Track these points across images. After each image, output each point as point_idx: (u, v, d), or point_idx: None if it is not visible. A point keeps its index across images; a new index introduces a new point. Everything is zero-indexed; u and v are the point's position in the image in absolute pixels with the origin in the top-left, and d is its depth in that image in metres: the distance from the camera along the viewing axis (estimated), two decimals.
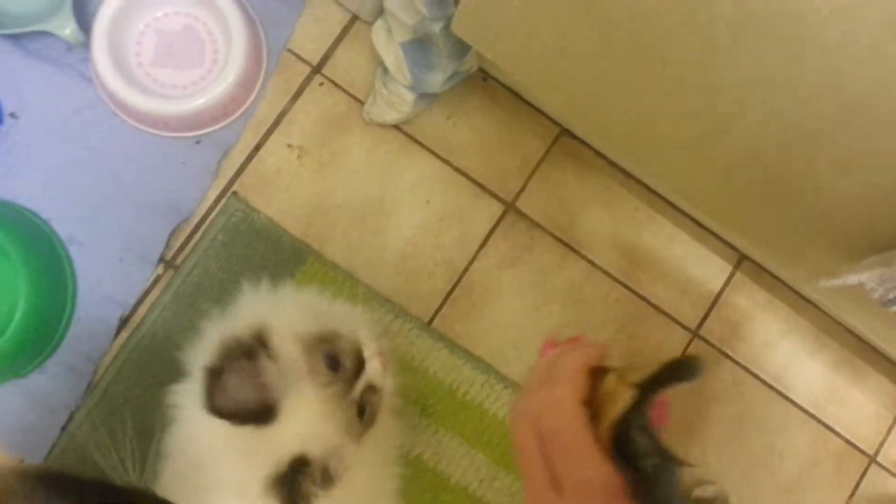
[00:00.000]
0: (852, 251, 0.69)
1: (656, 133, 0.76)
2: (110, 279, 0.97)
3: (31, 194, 0.97)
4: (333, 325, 0.71)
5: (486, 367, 1.03)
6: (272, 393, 0.64)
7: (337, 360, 0.68)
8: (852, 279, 0.68)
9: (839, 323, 1.10)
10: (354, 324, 0.75)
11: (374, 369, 0.70)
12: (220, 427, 0.64)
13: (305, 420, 0.65)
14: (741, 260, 1.11)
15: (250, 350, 0.65)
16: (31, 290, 0.88)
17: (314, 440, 0.65)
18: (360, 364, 0.69)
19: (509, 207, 1.07)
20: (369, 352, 0.70)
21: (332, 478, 0.67)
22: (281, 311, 0.70)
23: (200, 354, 0.68)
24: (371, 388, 0.69)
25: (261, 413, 0.64)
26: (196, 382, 0.65)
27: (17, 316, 0.87)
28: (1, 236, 0.87)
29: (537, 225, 1.07)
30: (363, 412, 0.69)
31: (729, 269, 1.10)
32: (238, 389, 0.63)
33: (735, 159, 0.70)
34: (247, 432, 0.64)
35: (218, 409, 0.62)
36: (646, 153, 0.85)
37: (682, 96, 0.66)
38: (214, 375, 0.63)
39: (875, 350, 1.12)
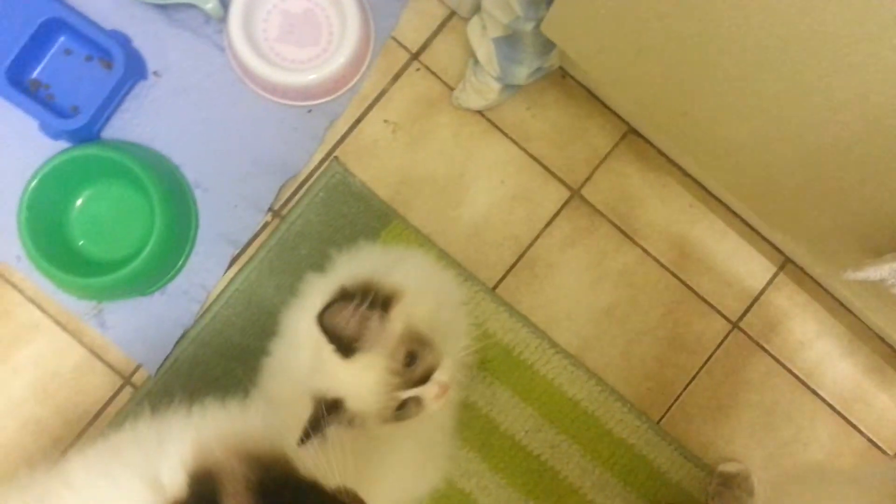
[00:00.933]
0: (877, 248, 0.78)
1: (718, 134, 0.87)
2: (226, 221, 1.13)
3: (166, 142, 1.13)
4: (441, 320, 0.79)
5: (541, 333, 1.15)
6: (360, 344, 0.75)
7: (415, 362, 0.77)
8: (874, 274, 0.77)
9: (872, 330, 1.18)
10: (457, 329, 0.85)
11: (430, 393, 0.77)
12: (314, 337, 0.76)
13: (361, 381, 0.76)
14: (785, 263, 1.20)
15: (377, 303, 0.75)
16: (163, 221, 1.04)
17: (356, 400, 0.76)
18: (428, 376, 0.77)
19: (574, 193, 1.19)
20: (439, 376, 0.77)
21: (352, 426, 0.78)
22: (418, 285, 0.79)
23: (329, 282, 0.81)
24: (418, 402, 0.78)
25: (344, 348, 0.75)
26: (312, 299, 0.78)
27: (151, 242, 1.04)
28: (142, 175, 1.04)
29: (598, 212, 1.19)
30: (402, 408, 0.78)
31: (773, 269, 1.20)
32: (345, 321, 0.74)
33: (787, 161, 0.80)
34: (325, 353, 0.76)
35: (322, 321, 0.74)
36: (705, 153, 0.96)
37: (745, 100, 0.76)
38: (342, 297, 0.76)
39: None
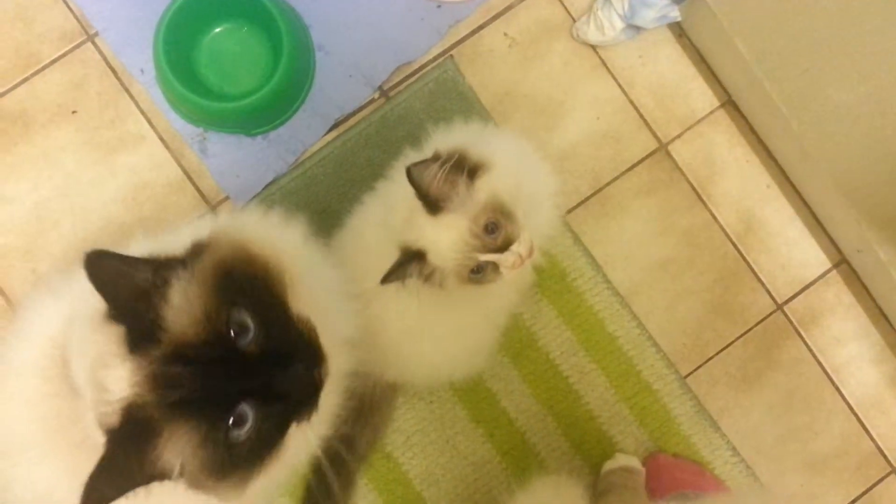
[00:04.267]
0: None
1: (831, 96, 0.91)
2: (338, 88, 1.19)
3: (297, 3, 1.19)
4: (527, 200, 0.85)
5: (597, 267, 1.21)
6: (446, 204, 0.82)
7: (496, 230, 0.83)
8: None
9: None
10: (544, 215, 0.91)
11: (507, 261, 0.83)
12: (407, 191, 0.82)
13: (443, 238, 0.82)
14: (841, 262, 1.25)
15: (465, 167, 0.82)
16: (286, 68, 1.11)
17: (436, 254, 0.83)
18: (507, 246, 0.83)
19: (662, 147, 1.24)
20: (517, 246, 0.83)
21: (429, 281, 0.85)
22: (509, 161, 0.85)
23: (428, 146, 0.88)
24: (495, 268, 0.84)
25: (430, 204, 0.82)
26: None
27: (271, 83, 1.10)
28: (279, 19, 1.10)
29: (680, 170, 1.24)
30: (479, 272, 0.84)
31: (828, 265, 1.25)
32: (432, 178, 0.81)
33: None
34: (415, 207, 0.83)
35: (411, 174, 0.80)
36: (811, 116, 1.00)
37: (871, 59, 0.80)
38: (433, 159, 0.83)
39: None
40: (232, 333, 0.61)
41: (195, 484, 0.62)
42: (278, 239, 0.75)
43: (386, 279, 0.84)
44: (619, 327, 1.22)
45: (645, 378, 1.21)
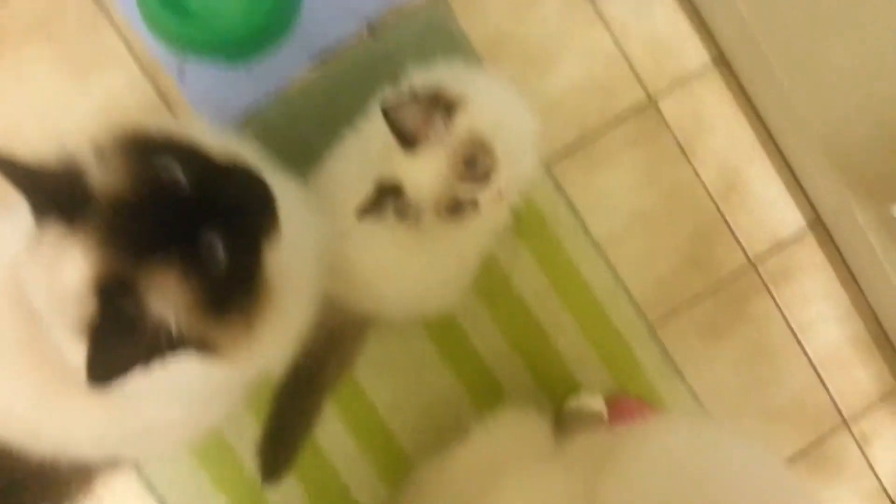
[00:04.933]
0: None
1: (823, 56, 0.90)
2: (326, 23, 1.18)
3: None
4: (507, 137, 0.84)
5: (578, 215, 1.23)
6: (423, 137, 0.82)
7: (474, 165, 0.83)
8: None
9: (871, 308, 1.26)
10: (523, 152, 0.90)
11: (486, 196, 0.84)
12: (384, 128, 0.82)
13: (420, 172, 0.83)
14: (816, 223, 1.26)
15: (440, 104, 0.82)
16: None
17: (414, 189, 0.83)
18: (485, 181, 0.83)
19: (651, 100, 1.24)
20: (496, 181, 0.83)
21: (404, 217, 0.86)
22: (488, 99, 0.85)
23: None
24: (474, 203, 0.84)
25: (405, 141, 0.82)
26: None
27: (259, 8, 1.07)
28: None
29: (667, 125, 1.24)
30: (457, 209, 0.85)
31: (804, 224, 1.26)
32: (409, 115, 0.81)
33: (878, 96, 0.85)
34: (392, 143, 0.83)
35: (386, 112, 0.80)
36: (803, 74, 0.99)
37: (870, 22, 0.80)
38: (409, 97, 0.82)
39: (891, 344, 1.28)
40: (163, 179, 0.61)
41: (201, 336, 0.62)
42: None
43: (361, 213, 0.85)
44: (594, 275, 1.24)
45: (615, 325, 1.25)
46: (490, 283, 1.22)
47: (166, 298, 0.59)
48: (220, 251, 0.61)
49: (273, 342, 0.73)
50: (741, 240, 1.26)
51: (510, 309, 1.23)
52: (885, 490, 1.32)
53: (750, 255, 1.26)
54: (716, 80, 1.23)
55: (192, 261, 0.59)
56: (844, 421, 1.29)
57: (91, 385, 0.56)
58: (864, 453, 1.31)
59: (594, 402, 1.21)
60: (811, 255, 1.27)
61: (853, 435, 1.29)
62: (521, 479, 0.88)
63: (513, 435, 1.05)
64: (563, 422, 1.21)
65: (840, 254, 1.26)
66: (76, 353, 0.61)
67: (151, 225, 0.59)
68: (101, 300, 0.58)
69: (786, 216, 1.26)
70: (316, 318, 1.14)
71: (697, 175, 1.25)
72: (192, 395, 0.76)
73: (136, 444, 0.98)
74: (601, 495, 0.78)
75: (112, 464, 1.14)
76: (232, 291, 0.63)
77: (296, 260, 0.74)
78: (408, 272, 1.00)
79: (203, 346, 0.63)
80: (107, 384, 0.57)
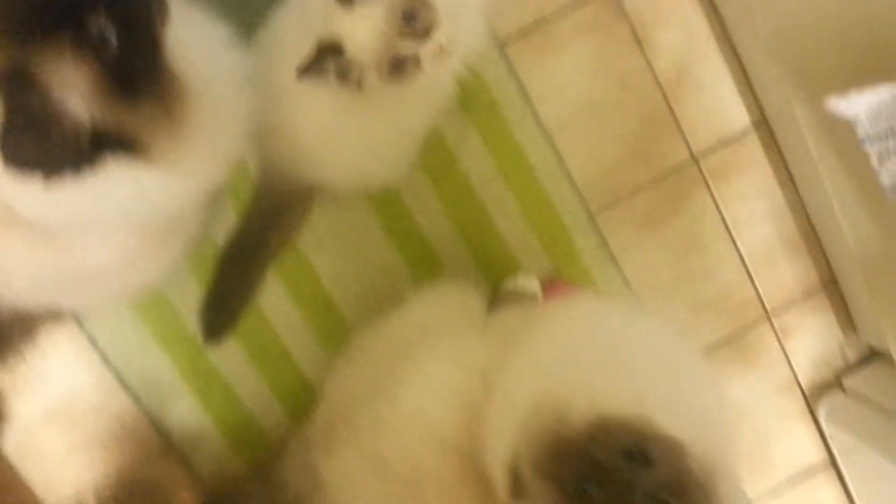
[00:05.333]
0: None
1: None
2: None
3: None
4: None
5: (528, 99, 1.23)
6: None
7: (414, 20, 0.81)
8: (852, 106, 0.85)
9: (804, 207, 1.30)
10: (472, 17, 0.89)
11: (427, 51, 0.83)
12: None
13: (359, 28, 0.82)
14: (761, 122, 1.28)
15: None
16: None
17: (354, 46, 0.83)
18: (427, 35, 0.82)
19: None
20: (437, 35, 0.82)
21: (345, 79, 0.85)
22: None
23: None
24: (416, 61, 0.84)
25: None
26: None
27: None
28: None
29: (625, 13, 1.23)
30: (398, 68, 0.84)
31: (748, 123, 1.28)
32: None
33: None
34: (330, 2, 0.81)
35: None
36: None
37: None
38: None
39: (819, 244, 1.33)
40: None
41: (118, 126, 0.63)
42: None
43: (301, 73, 0.85)
44: (541, 161, 1.25)
45: (557, 211, 1.27)
46: (437, 161, 1.22)
47: (68, 85, 0.59)
48: (109, 32, 0.61)
49: (198, 149, 0.74)
50: (686, 134, 1.27)
51: (455, 188, 1.25)
52: (797, 380, 1.41)
53: (693, 150, 1.28)
54: None
55: (85, 46, 0.59)
56: (767, 314, 1.36)
57: (8, 167, 0.57)
58: (782, 345, 1.38)
59: (530, 284, 1.25)
60: (752, 154, 1.29)
61: (774, 328, 1.36)
62: (443, 347, 0.92)
63: (446, 307, 1.09)
64: (499, 302, 1.25)
65: (780, 154, 1.29)
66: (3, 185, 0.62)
67: (40, 12, 0.58)
68: (3, 91, 0.58)
69: (732, 113, 1.27)
70: (260, 185, 1.16)
71: (650, 67, 1.25)
72: (127, 223, 0.77)
73: (74, 291, 1.00)
74: (508, 362, 0.83)
75: (53, 315, 1.16)
76: (134, 75, 0.63)
77: (213, 68, 0.75)
78: (351, 139, 1.00)
79: (124, 139, 0.64)
80: (25, 169, 0.58)
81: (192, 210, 0.87)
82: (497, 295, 1.25)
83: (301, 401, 1.27)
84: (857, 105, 0.86)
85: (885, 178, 0.90)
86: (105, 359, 1.23)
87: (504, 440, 0.73)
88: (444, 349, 0.92)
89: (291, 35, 0.95)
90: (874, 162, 0.89)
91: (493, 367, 0.83)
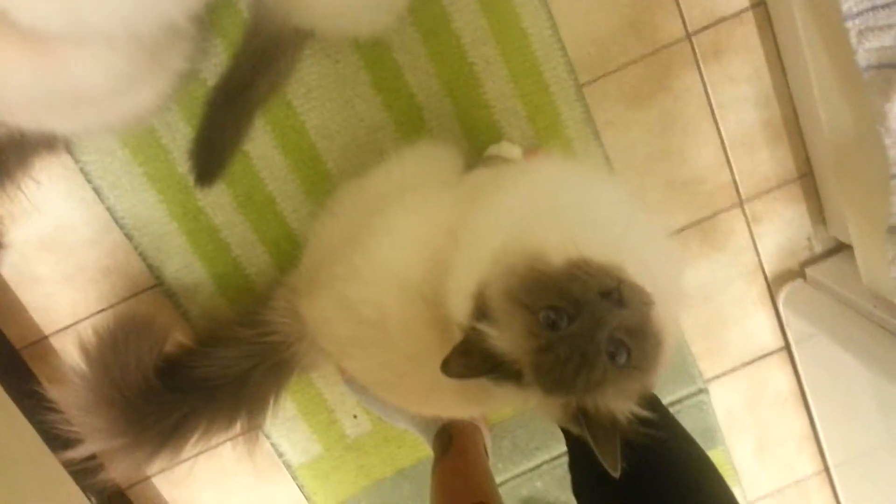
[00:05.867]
0: None
1: None
2: None
3: None
4: None
5: None
6: None
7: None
8: None
9: (791, 95, 1.31)
10: None
11: None
12: None
13: None
14: (759, 3, 1.27)
15: None
16: None
17: None
18: None
19: None
20: None
21: None
22: None
23: None
24: None
25: None
26: None
27: None
28: None
29: None
30: None
31: (747, 4, 1.27)
32: None
33: None
34: None
35: None
36: None
37: None
38: None
39: (800, 135, 1.35)
40: None
41: None
42: None
43: None
44: (534, 25, 1.25)
45: (545, 79, 1.28)
46: (429, 17, 1.22)
47: None
48: None
49: None
50: (683, 9, 1.26)
51: (446, 49, 1.25)
52: (762, 267, 1.46)
53: (689, 25, 1.27)
54: None
55: None
56: (740, 200, 1.39)
57: None
58: (751, 231, 1.43)
59: (512, 151, 1.28)
60: (746, 36, 1.29)
61: (745, 213, 1.40)
62: (412, 201, 0.95)
63: (425, 165, 1.12)
64: (480, 165, 1.28)
65: (774, 38, 1.28)
66: None
67: None
68: None
69: None
70: (251, 26, 1.16)
71: None
72: (122, 29, 0.79)
73: (68, 111, 1.03)
74: (479, 210, 0.86)
75: (47, 142, 1.20)
76: None
77: None
78: None
79: None
80: None
81: (182, 26, 0.88)
82: (480, 161, 1.28)
83: (284, 248, 1.33)
84: None
85: (862, 57, 0.92)
86: (98, 193, 1.27)
87: (471, 275, 0.77)
88: (413, 203, 0.95)
89: None
90: (853, 39, 0.90)
91: (460, 221, 0.86)
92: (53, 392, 1.02)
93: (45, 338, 1.34)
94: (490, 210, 0.85)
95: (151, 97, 1.07)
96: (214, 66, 1.21)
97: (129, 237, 1.31)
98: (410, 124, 1.29)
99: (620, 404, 0.71)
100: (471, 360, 0.72)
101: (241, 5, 1.15)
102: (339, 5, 1.04)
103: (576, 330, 0.68)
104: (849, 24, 0.89)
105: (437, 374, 0.72)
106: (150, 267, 1.32)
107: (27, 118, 1.05)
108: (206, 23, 1.14)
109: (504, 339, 0.71)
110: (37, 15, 0.75)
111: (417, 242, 0.90)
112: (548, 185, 0.89)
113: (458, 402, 0.95)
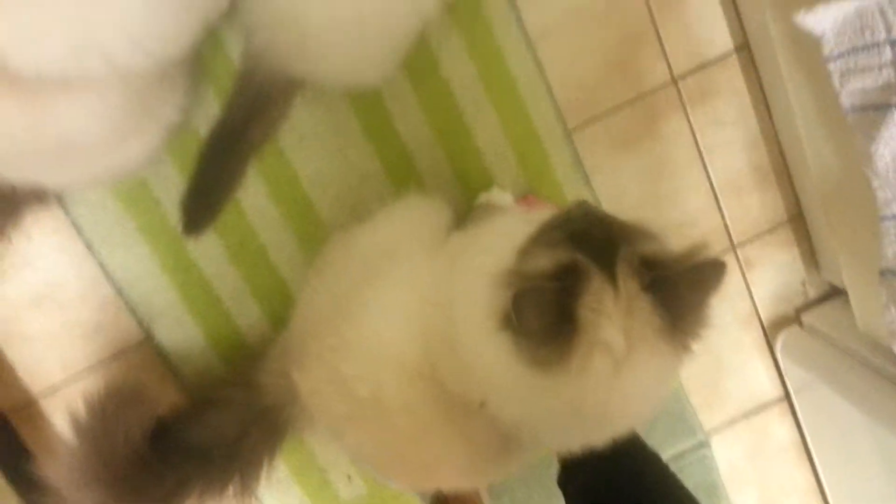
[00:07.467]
0: None
1: None
2: None
3: None
4: None
5: (512, 4, 1.23)
6: None
7: None
8: (819, 21, 0.86)
9: (777, 137, 1.32)
10: None
11: None
12: None
13: None
14: (743, 47, 1.29)
15: None
16: None
17: None
18: None
19: None
20: None
21: None
22: None
23: None
24: None
25: None
26: None
27: None
28: None
29: None
30: None
31: (730, 47, 1.29)
32: None
33: None
34: None
35: None
36: None
37: None
38: None
39: (789, 177, 1.36)
40: None
41: None
42: None
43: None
44: (522, 71, 1.27)
45: (534, 124, 1.29)
46: (419, 64, 1.23)
47: None
48: None
49: None
50: (668, 54, 1.29)
51: (435, 95, 1.26)
52: (757, 313, 1.45)
53: (674, 71, 1.30)
54: None
55: None
56: (732, 244, 1.39)
57: None
58: (744, 277, 1.42)
59: (503, 199, 1.28)
60: (731, 80, 1.31)
61: (738, 258, 1.40)
62: (398, 273, 0.94)
63: (412, 223, 1.11)
64: (473, 215, 1.28)
65: (759, 80, 1.30)
66: None
67: None
68: None
69: (715, 35, 1.28)
70: (243, 76, 1.17)
71: None
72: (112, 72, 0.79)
73: (58, 164, 1.03)
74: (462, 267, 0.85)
75: (37, 196, 1.19)
76: None
77: None
78: (340, 23, 1.01)
79: None
80: None
81: (175, 69, 0.88)
82: (473, 210, 1.28)
83: (277, 300, 1.32)
84: (824, 20, 0.88)
85: (845, 99, 0.93)
86: (89, 247, 1.26)
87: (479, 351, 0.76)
88: (401, 274, 0.93)
89: None
90: (835, 82, 0.91)
91: (445, 291, 0.85)
92: (43, 468, 0.99)
93: (35, 402, 1.31)
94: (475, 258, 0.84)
95: (143, 150, 1.07)
96: (206, 116, 1.21)
97: (119, 291, 1.29)
98: (402, 171, 1.29)
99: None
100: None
101: (232, 54, 1.17)
102: (333, 58, 1.06)
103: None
104: (831, 66, 0.90)
105: (440, 452, 0.70)
106: (139, 322, 1.30)
107: (18, 171, 1.05)
108: (198, 73, 1.15)
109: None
110: (37, 59, 0.75)
111: (410, 317, 0.87)
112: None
113: (462, 476, 0.93)
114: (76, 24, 0.75)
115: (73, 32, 0.75)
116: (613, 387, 0.72)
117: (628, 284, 0.71)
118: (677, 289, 0.72)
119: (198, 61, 1.13)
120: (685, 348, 0.75)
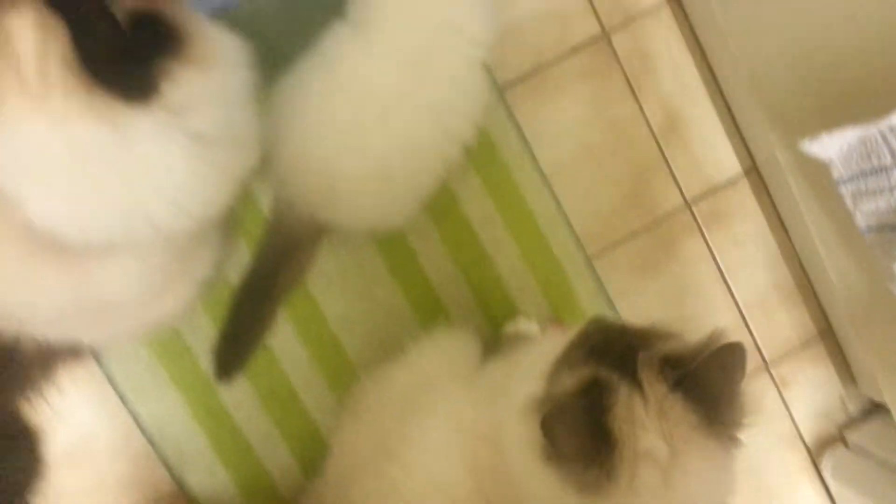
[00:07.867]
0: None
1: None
2: None
3: None
4: None
5: (526, 143, 1.29)
6: None
7: None
8: (825, 148, 0.90)
9: (797, 254, 1.33)
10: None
11: None
12: None
13: None
14: (752, 169, 1.33)
15: None
16: None
17: None
18: None
19: (604, 35, 1.29)
20: None
21: None
22: None
23: None
24: None
25: None
26: None
27: None
28: None
29: (618, 60, 1.30)
30: None
31: (739, 170, 1.33)
32: None
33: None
34: None
35: None
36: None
37: None
38: None
39: (814, 293, 1.36)
40: None
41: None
42: None
43: None
44: (539, 204, 1.31)
45: (555, 254, 1.32)
46: (440, 204, 1.26)
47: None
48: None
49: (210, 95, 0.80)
50: (679, 180, 1.32)
51: (457, 232, 1.30)
52: (799, 434, 1.40)
53: (686, 195, 1.33)
54: (668, 18, 1.29)
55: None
56: (766, 364, 1.37)
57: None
58: (782, 397, 1.39)
59: (530, 328, 1.29)
60: (744, 201, 1.34)
61: (773, 378, 1.37)
62: (441, 412, 0.93)
63: (444, 355, 1.11)
64: (501, 346, 1.28)
65: (771, 200, 1.33)
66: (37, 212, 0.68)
67: None
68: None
69: (723, 160, 1.32)
70: (272, 224, 1.22)
71: (643, 113, 1.31)
72: (152, 238, 0.83)
73: (95, 323, 1.05)
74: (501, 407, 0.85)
75: (73, 351, 1.22)
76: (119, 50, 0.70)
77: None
78: (369, 175, 1.06)
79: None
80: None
81: (211, 227, 0.92)
82: (500, 340, 1.28)
83: (307, 444, 1.30)
84: (829, 147, 0.90)
85: (860, 220, 0.94)
86: (122, 398, 1.26)
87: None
88: (441, 409, 0.93)
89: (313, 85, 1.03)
90: (849, 203, 0.93)
91: (488, 426, 0.84)
92: None
93: None
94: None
95: (177, 304, 1.10)
96: (237, 264, 1.25)
97: (151, 443, 1.28)
98: (428, 306, 1.31)
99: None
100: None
101: (261, 204, 1.22)
102: (361, 206, 1.10)
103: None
104: (842, 189, 0.92)
105: None
106: (171, 471, 1.29)
107: (55, 330, 1.07)
108: (230, 227, 1.19)
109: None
110: (87, 229, 0.79)
111: (457, 452, 0.86)
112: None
113: None
114: (124, 194, 0.79)
115: (121, 202, 0.79)
116: (667, 496, 0.69)
117: (655, 387, 0.70)
118: (704, 381, 0.70)
119: (230, 216, 1.18)
120: (731, 439, 0.73)
